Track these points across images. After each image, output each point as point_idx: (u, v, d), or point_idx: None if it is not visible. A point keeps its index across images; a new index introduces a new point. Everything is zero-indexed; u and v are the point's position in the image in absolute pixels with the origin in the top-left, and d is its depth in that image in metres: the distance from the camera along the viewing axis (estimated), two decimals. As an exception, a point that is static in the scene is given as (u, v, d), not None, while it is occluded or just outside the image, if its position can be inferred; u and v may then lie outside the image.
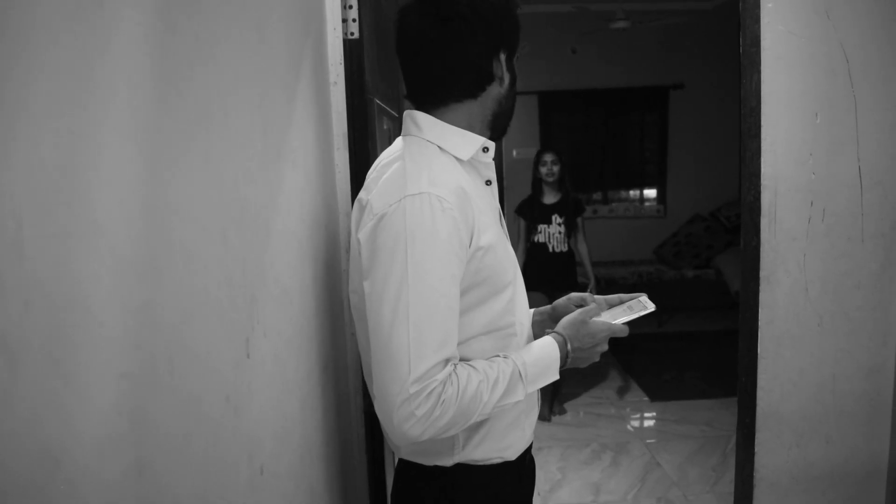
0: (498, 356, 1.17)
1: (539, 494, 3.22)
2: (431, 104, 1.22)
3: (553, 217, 3.98)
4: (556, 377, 1.22)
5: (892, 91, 1.95)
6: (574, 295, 1.42)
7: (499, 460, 1.25)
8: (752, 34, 1.93)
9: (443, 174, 1.12)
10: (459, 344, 1.14)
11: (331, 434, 1.49)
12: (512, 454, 1.26)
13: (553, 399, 4.03)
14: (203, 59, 0.82)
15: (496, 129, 1.26)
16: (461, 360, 1.16)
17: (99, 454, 0.58)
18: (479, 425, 1.21)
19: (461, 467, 1.22)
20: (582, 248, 4.09)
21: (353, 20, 1.78)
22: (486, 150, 1.23)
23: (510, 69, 1.24)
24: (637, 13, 5.26)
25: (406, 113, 1.25)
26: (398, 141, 1.25)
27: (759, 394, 2.06)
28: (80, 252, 0.56)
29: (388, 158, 1.20)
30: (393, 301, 1.05)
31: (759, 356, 2.05)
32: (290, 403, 1.18)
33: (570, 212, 4.00)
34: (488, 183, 1.26)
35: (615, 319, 1.32)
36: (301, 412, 1.25)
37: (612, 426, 3.59)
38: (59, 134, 0.53)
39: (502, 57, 1.20)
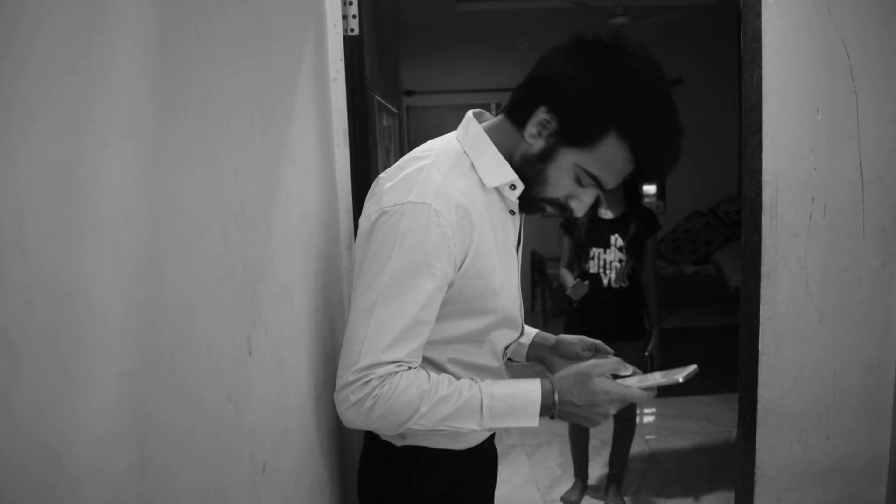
0: (472, 379, 1.15)
1: (539, 491, 3.22)
2: (504, 107, 1.23)
3: (612, 238, 2.82)
4: (532, 423, 1.12)
5: (892, 86, 1.95)
6: (587, 340, 1.33)
7: (446, 447, 1.28)
8: (752, 30, 1.93)
9: (451, 189, 1.12)
10: (431, 344, 1.17)
11: (331, 430, 1.49)
12: (461, 446, 1.29)
13: (608, 487, 3.14)
14: (203, 56, 0.82)
15: (522, 195, 1.20)
16: (433, 362, 1.21)
17: (101, 452, 0.58)
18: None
19: (411, 449, 1.26)
20: (647, 282, 2.91)
21: (354, 16, 1.78)
22: (513, 187, 1.18)
23: (548, 147, 1.14)
24: (636, 9, 5.25)
25: (470, 111, 1.24)
26: (449, 136, 1.24)
27: (760, 390, 2.07)
28: (82, 249, 0.56)
29: (425, 153, 1.20)
30: (367, 295, 1.11)
31: (759, 352, 2.05)
32: (291, 400, 1.18)
33: (638, 231, 2.83)
34: (512, 213, 1.24)
35: (639, 383, 1.16)
36: (302, 408, 1.25)
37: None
38: (61, 131, 0.53)
39: (542, 117, 1.12)
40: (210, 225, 0.83)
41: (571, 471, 3.27)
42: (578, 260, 2.92)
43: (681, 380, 1.15)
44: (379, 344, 1.09)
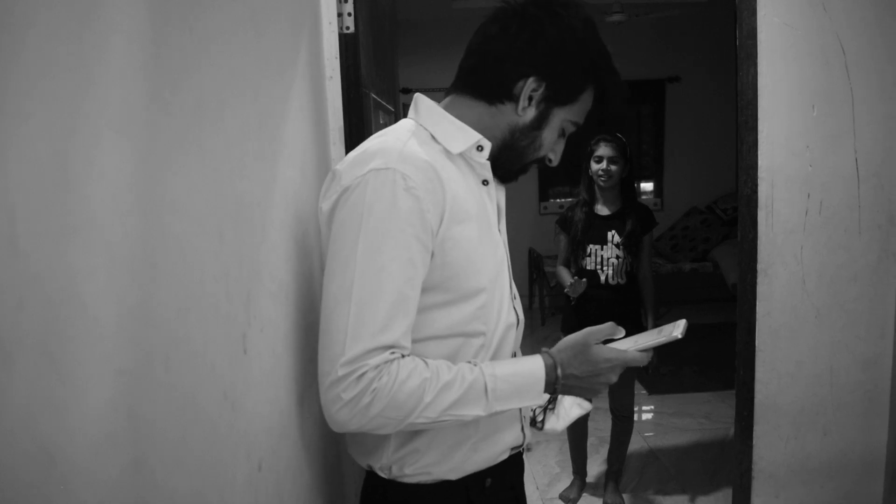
0: (467, 362, 1.07)
1: (538, 489, 3.22)
2: (456, 85, 1.19)
3: (609, 235, 2.81)
4: (538, 402, 1.09)
5: (887, 82, 1.95)
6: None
7: (429, 479, 1.15)
8: (748, 26, 1.93)
9: (416, 151, 1.06)
10: (416, 342, 1.07)
11: (328, 429, 1.48)
12: (453, 475, 1.16)
13: (606, 484, 3.12)
14: (198, 54, 0.81)
15: (499, 165, 1.17)
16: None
17: (95, 452, 0.58)
18: (418, 434, 1.13)
19: (395, 485, 1.16)
20: (644, 278, 2.89)
21: (349, 14, 1.77)
22: (480, 148, 1.15)
23: (541, 113, 1.14)
24: (633, 6, 5.25)
25: (415, 95, 1.21)
26: (399, 122, 1.20)
27: (757, 386, 2.07)
28: (75, 248, 0.55)
29: (378, 135, 1.15)
30: (340, 277, 1.00)
31: (756, 349, 2.05)
32: (287, 399, 1.18)
33: (635, 228, 2.82)
34: (485, 183, 1.17)
35: (636, 345, 1.13)
36: (298, 407, 1.24)
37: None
38: (53, 129, 0.53)
39: (532, 86, 1.12)
40: (205, 223, 0.83)
41: (570, 468, 3.27)
42: (575, 257, 2.91)
43: (679, 335, 1.12)
44: (366, 328, 0.97)
